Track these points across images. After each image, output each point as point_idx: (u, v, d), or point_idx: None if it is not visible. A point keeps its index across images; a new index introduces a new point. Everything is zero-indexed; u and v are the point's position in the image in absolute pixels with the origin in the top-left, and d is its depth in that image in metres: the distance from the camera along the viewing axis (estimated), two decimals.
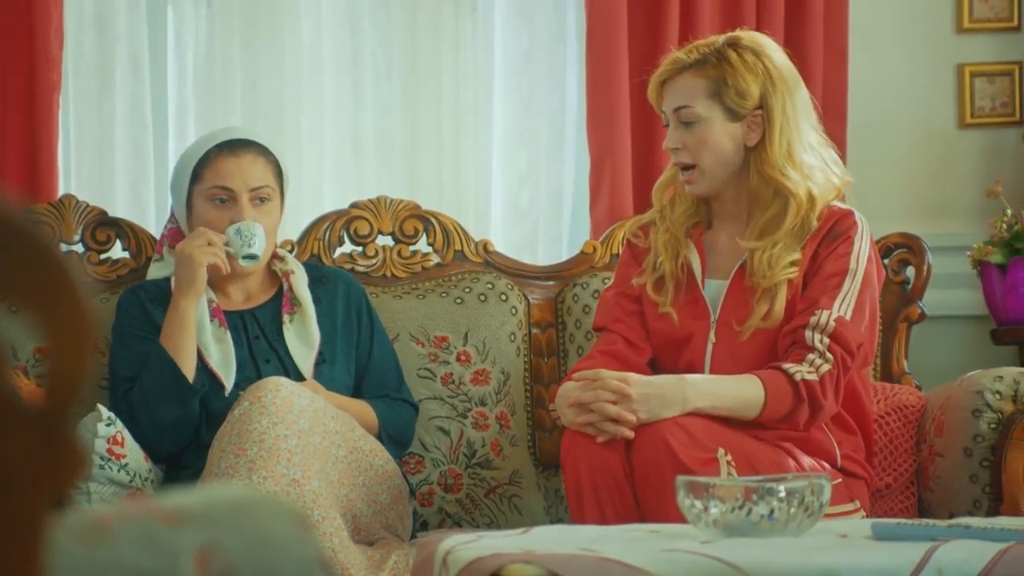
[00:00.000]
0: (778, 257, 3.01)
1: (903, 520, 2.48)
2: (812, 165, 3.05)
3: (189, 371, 3.19)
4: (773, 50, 3.09)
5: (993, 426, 3.22)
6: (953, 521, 2.37)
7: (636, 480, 2.84)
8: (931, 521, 2.38)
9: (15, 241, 0.85)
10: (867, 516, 3.03)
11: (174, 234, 3.43)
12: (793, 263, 3.01)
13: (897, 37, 4.19)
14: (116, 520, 1.13)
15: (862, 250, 3.03)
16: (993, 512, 3.16)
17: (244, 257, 3.25)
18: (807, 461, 2.97)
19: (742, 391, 2.92)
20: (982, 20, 4.20)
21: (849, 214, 3.06)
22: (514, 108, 4.05)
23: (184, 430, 3.19)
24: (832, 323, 2.95)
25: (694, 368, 3.05)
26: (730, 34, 3.13)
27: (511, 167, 4.06)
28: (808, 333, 2.95)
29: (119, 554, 1.11)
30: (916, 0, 4.18)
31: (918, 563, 2.10)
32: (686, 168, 3.08)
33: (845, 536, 2.34)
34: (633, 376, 2.89)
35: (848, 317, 2.97)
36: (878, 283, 3.08)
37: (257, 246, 3.25)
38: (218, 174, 3.30)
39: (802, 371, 2.93)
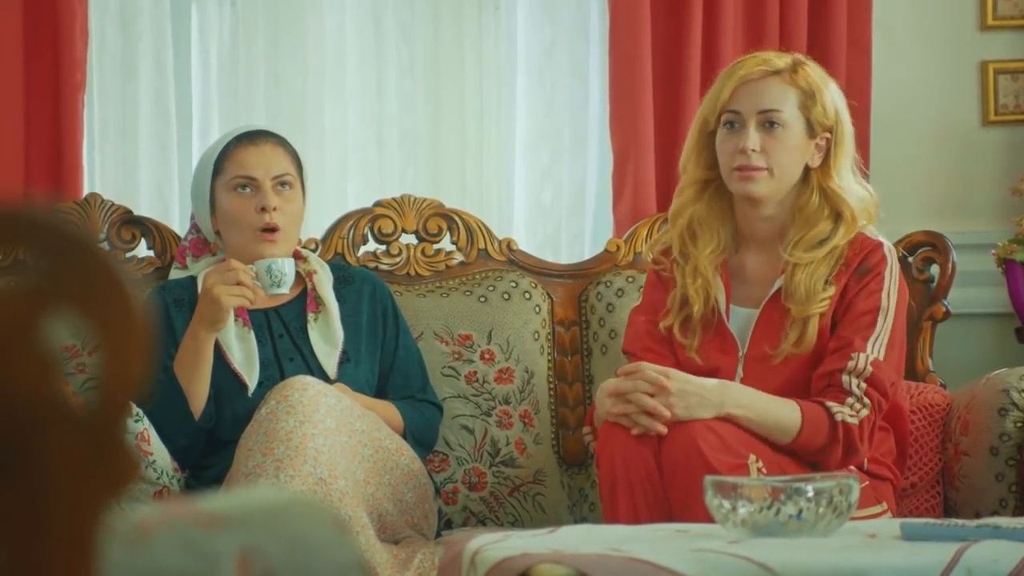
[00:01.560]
0: (815, 288, 3.00)
1: (932, 520, 2.47)
2: (857, 192, 3.09)
3: (199, 403, 3.18)
4: (831, 79, 3.14)
5: (1019, 424, 3.21)
6: (982, 521, 2.37)
7: (664, 479, 2.84)
8: (960, 521, 2.37)
9: (63, 246, 0.85)
10: (894, 517, 3.03)
11: (196, 245, 3.42)
12: (827, 298, 3.02)
13: (920, 34, 4.18)
14: (155, 524, 1.13)
15: (891, 286, 3.04)
16: (1019, 511, 3.15)
17: (271, 294, 3.22)
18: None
19: (780, 413, 2.92)
20: (1005, 17, 4.18)
21: (878, 248, 3.06)
22: (537, 105, 4.04)
23: (190, 455, 3.20)
24: (869, 368, 2.95)
25: None
26: (795, 54, 3.15)
27: (534, 165, 4.05)
28: (845, 378, 2.95)
29: (159, 558, 1.11)
30: None
31: (948, 563, 2.10)
32: (753, 169, 3.07)
33: (874, 536, 2.34)
34: (674, 371, 2.89)
35: (882, 358, 2.98)
36: (903, 300, 3.08)
37: (286, 286, 3.18)
38: (239, 164, 3.30)
39: (843, 412, 2.93)
